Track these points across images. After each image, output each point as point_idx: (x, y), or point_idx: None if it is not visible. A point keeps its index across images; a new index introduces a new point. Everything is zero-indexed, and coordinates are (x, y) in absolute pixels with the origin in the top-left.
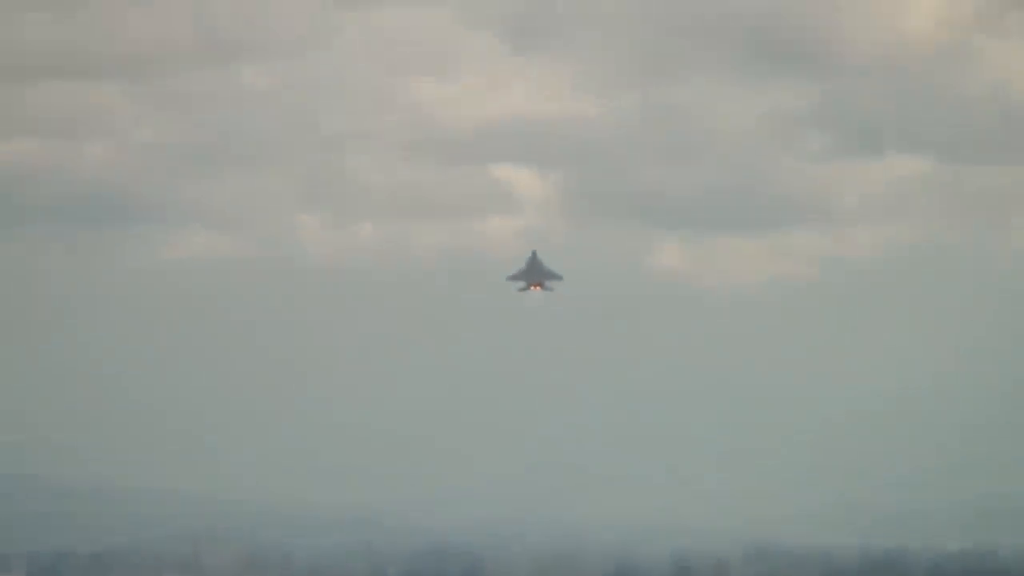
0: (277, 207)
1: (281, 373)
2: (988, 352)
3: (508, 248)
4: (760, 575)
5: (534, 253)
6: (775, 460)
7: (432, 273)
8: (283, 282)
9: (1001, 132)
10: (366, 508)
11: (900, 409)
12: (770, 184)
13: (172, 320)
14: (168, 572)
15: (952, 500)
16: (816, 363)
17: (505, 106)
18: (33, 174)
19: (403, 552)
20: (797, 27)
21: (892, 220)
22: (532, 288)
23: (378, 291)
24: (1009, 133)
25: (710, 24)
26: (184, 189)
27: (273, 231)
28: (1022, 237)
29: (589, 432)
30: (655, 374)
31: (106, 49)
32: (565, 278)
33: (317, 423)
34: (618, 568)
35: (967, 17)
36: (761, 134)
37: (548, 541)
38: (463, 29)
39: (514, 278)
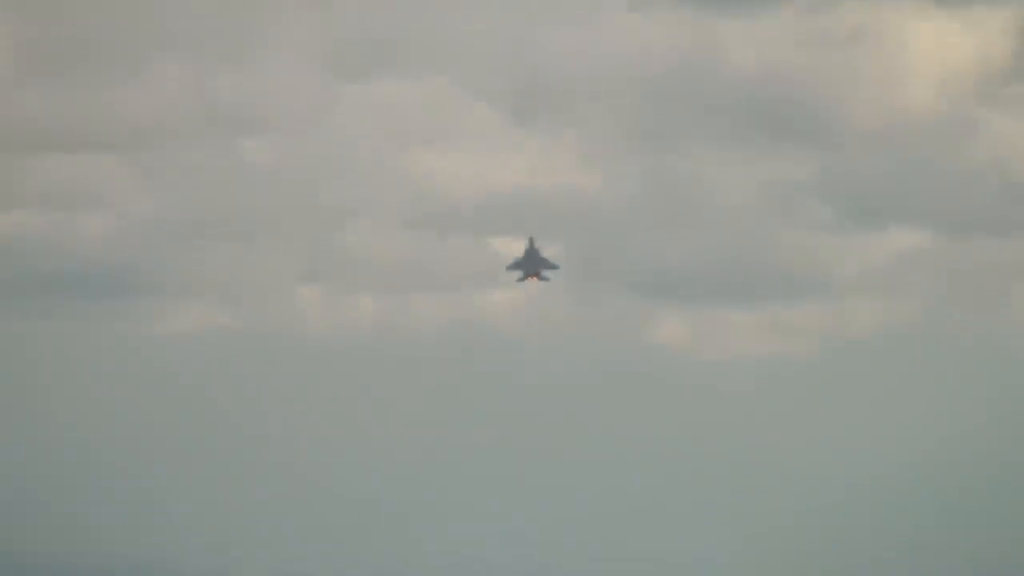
0: (276, 280)
1: (280, 447)
2: (989, 428)
3: (508, 320)
4: None
5: (531, 240)
6: (771, 537)
7: (432, 345)
8: (282, 355)
9: (1003, 205)
10: None
11: (900, 486)
12: (770, 256)
13: (170, 393)
14: None
15: None
16: (814, 439)
17: (505, 178)
18: (31, 246)
19: None
20: (798, 98)
21: (892, 293)
22: (530, 279)
23: (377, 363)
24: (1011, 206)
25: (710, 95)
26: (182, 262)
27: (272, 304)
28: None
29: (584, 506)
30: (650, 447)
31: (105, 122)
32: (560, 268)
33: (316, 496)
34: None
35: (968, 89)
36: (761, 205)
37: None
38: (462, 101)
39: (513, 267)
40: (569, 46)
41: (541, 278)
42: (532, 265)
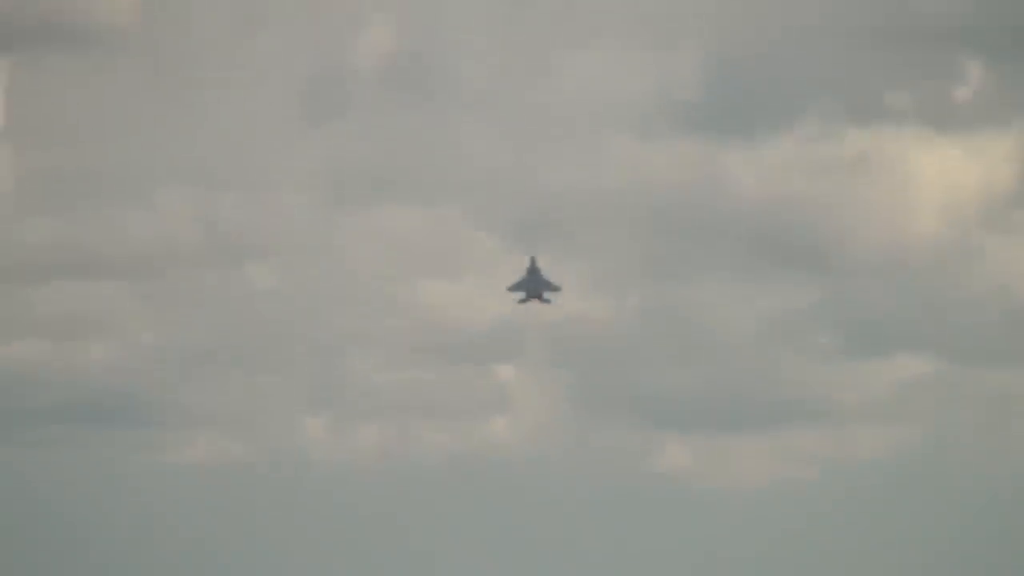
0: (282, 409)
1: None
2: (990, 557)
3: (512, 449)
4: None
5: (532, 260)
6: None
7: (437, 474)
8: (288, 484)
9: (1008, 332)
10: None
11: None
12: (774, 384)
13: (176, 524)
14: None
15: None
16: (817, 566)
17: (510, 307)
18: (36, 375)
19: None
20: (801, 226)
21: (896, 421)
22: (532, 301)
23: (383, 492)
24: (1016, 333)
25: (715, 224)
26: (187, 391)
27: (278, 433)
28: None
29: None
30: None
31: (109, 249)
32: (562, 290)
33: None
34: None
35: (972, 216)
36: (764, 333)
37: None
38: (467, 229)
39: (514, 288)
40: (574, 176)
41: (543, 300)
42: (534, 287)
